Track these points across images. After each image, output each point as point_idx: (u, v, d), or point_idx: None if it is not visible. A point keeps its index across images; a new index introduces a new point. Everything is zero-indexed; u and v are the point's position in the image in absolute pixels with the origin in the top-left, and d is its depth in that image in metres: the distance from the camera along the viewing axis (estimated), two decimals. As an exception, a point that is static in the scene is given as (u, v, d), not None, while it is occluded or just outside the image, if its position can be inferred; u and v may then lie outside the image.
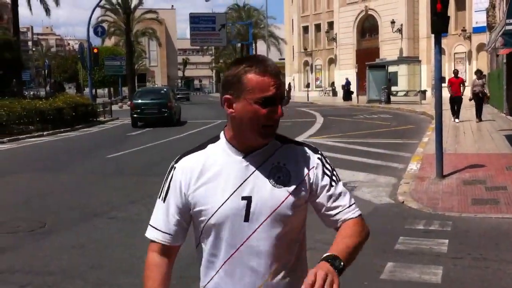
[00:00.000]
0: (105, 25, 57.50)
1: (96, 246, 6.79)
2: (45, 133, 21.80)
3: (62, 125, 23.19)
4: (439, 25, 9.57)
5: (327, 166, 1.86)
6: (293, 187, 1.77)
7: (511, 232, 6.78)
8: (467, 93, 20.45)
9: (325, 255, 1.68)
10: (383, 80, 35.79)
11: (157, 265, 1.90)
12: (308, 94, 48.16)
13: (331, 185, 1.83)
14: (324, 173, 1.83)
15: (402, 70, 37.27)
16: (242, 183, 1.76)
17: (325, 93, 54.55)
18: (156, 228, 1.90)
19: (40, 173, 12.48)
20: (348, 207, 1.84)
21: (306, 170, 1.81)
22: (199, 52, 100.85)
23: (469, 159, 11.41)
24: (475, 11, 38.66)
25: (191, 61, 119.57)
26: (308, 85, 52.03)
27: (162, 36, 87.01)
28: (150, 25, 62.69)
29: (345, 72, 47.76)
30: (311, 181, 1.81)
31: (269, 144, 1.80)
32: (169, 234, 1.88)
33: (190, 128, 22.83)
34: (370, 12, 48.57)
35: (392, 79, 36.16)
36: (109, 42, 68.39)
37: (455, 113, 19.89)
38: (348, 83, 43.38)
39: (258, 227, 1.75)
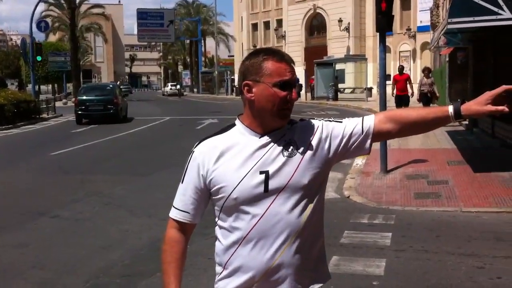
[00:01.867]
0: (49, 20, 55.82)
1: (38, 246, 6.58)
2: (-15, 130, 21.03)
3: (3, 122, 22.40)
4: (384, 24, 9.74)
5: (328, 119, 2.08)
6: (301, 155, 1.96)
7: (451, 225, 6.98)
8: (415, 91, 18.52)
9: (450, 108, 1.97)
10: (331, 77, 36.29)
11: (176, 241, 2.08)
12: (257, 91, 48.22)
13: (339, 124, 2.05)
14: (327, 125, 2.04)
15: (349, 68, 37.89)
16: (260, 160, 1.93)
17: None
18: (176, 208, 2.08)
19: (-22, 172, 12.01)
20: (363, 118, 2.07)
21: (311, 137, 2.00)
22: (147, 48, 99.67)
23: (412, 155, 11.69)
24: (420, 11, 39.70)
25: (138, 57, 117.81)
26: (257, 82, 52.10)
27: (108, 31, 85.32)
28: (96, 20, 61.30)
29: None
30: (320, 142, 2.00)
31: (284, 127, 1.99)
32: (187, 212, 2.06)
33: (137, 124, 22.47)
34: (318, 11, 49.08)
35: (339, 77, 36.70)
36: (54, 37, 66.53)
37: None
38: (296, 80, 43.59)
39: (277, 195, 1.92)
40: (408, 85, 17.83)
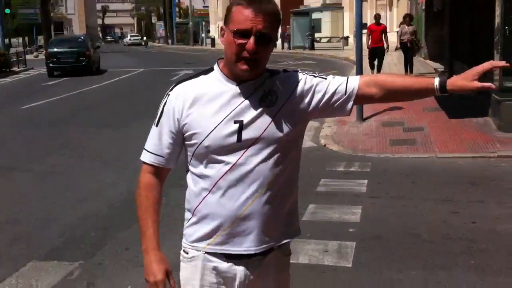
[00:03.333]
0: (16, -31, 53.90)
1: (11, 200, 6.45)
2: (-48, 85, 20.42)
3: (-28, 76, 21.77)
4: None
5: (312, 74, 1.99)
6: (279, 106, 1.88)
7: (427, 171, 7.02)
8: (393, 43, 17.02)
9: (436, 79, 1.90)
10: (307, 27, 35.85)
11: (152, 185, 2.02)
12: (233, 42, 47.57)
13: (323, 80, 1.96)
14: (311, 79, 1.95)
15: (325, 17, 37.50)
16: (235, 109, 1.86)
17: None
18: (149, 151, 2.00)
19: None
20: (347, 78, 1.99)
21: (292, 88, 1.92)
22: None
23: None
24: (396, -43, 39.08)
25: (111, 9, 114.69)
26: (233, 32, 51.31)
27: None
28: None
29: (269, 19, 47.32)
30: (301, 95, 1.93)
31: (261, 77, 1.90)
32: (162, 156, 1.97)
33: (110, 77, 22.01)
34: (293, -42, 48.06)
35: (315, 26, 36.27)
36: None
37: (375, 67, 16.24)
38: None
39: (250, 145, 1.85)
40: (383, 37, 16.03)
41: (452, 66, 14.94)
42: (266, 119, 1.87)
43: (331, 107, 1.96)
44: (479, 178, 6.61)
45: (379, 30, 15.99)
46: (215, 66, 1.95)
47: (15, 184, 7.19)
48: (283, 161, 1.91)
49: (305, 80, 1.95)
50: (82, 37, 26.17)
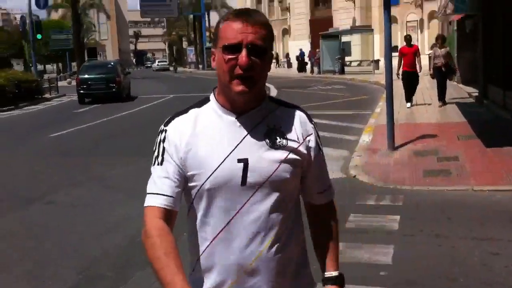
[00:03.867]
0: (51, -3, 55.28)
1: (28, 235, 6.31)
2: (-14, 112, 20.78)
3: (4, 103, 22.10)
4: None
5: (318, 134, 1.83)
6: (290, 149, 1.70)
7: (463, 205, 6.63)
8: (425, 66, 16.27)
9: (332, 275, 1.81)
10: (337, 50, 35.62)
11: (165, 229, 1.67)
12: (262, 66, 47.64)
13: (320, 154, 1.82)
14: (316, 142, 1.80)
15: (355, 40, 37.18)
16: (237, 145, 1.66)
17: (280, 64, 54.14)
18: (156, 194, 1.70)
19: (-24, 156, 11.75)
20: (329, 186, 1.87)
21: (303, 136, 1.74)
22: (150, 24, 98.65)
23: (420, 129, 11.29)
24: (427, -21, 38.77)
25: (143, 34, 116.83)
26: (262, 57, 51.42)
27: (111, 8, 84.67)
28: (99, -3, 60.68)
29: (299, 43, 47.38)
30: (308, 147, 1.76)
31: (263, 105, 1.72)
32: (172, 196, 1.69)
33: (140, 103, 22.13)
34: (323, -19, 48.18)
35: (345, 49, 36.01)
36: (56, 15, 65.94)
37: (413, 100, 15.17)
38: (302, 54, 43.03)
39: (256, 190, 1.66)
40: (417, 59, 14.58)
41: (486, 90, 14.47)
42: (273, 162, 1.67)
43: (303, 181, 1.80)
44: (520, 214, 6.21)
45: (411, 53, 14.62)
46: (211, 96, 1.76)
47: (34, 217, 7.06)
48: (290, 207, 1.74)
49: (312, 136, 1.79)
50: (112, 63, 26.46)
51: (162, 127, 1.77)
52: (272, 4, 56.03)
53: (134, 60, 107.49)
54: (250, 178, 1.65)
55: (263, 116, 1.71)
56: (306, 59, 41.56)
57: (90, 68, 24.61)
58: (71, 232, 6.35)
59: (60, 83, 34.49)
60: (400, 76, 14.80)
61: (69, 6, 52.38)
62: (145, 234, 1.68)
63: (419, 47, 16.85)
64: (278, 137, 1.69)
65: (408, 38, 15.23)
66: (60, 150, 12.06)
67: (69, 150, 11.92)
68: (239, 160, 1.65)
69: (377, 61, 34.79)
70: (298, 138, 1.73)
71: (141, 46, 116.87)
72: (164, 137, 1.73)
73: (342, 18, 45.08)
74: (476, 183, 7.37)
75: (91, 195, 7.99)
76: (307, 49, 43.52)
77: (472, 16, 17.30)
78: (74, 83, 25.90)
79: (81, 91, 22.98)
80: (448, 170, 8.10)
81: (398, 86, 15.83)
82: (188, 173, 1.69)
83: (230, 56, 1.61)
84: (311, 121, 1.80)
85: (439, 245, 5.34)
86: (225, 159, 1.65)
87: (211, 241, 1.70)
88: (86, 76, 23.24)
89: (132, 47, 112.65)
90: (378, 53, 38.02)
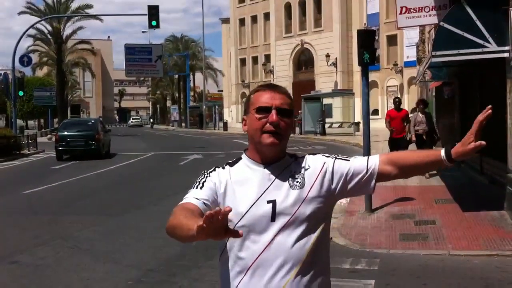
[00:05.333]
0: (36, 55, 55.69)
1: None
2: (-39, 167, 20.35)
3: (-19, 158, 21.75)
4: (366, 58, 9.42)
5: (335, 156, 2.16)
6: (308, 187, 2.03)
7: (439, 270, 6.47)
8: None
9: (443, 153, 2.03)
10: (318, 112, 36.04)
11: (189, 206, 1.95)
12: (245, 126, 47.89)
13: (340, 161, 2.11)
14: (336, 161, 2.11)
15: (336, 103, 37.70)
16: (266, 189, 2.01)
17: (262, 125, 54.51)
18: (188, 197, 2.01)
19: None
20: (368, 160, 2.11)
21: (318, 170, 2.07)
22: (136, 83, 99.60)
23: (398, 192, 11.22)
24: (406, 46, 39.88)
25: (128, 92, 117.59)
26: (245, 117, 51.76)
27: (97, 66, 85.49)
28: (84, 56, 61.21)
29: (282, 104, 47.90)
30: (325, 177, 2.07)
31: (285, 159, 2.09)
32: (200, 200, 1.98)
33: (119, 160, 21.89)
34: (306, 46, 49.23)
35: (327, 111, 36.46)
36: (41, 72, 66.29)
37: None
38: (284, 115, 43.47)
39: (284, 225, 1.97)
40: (405, 125, 13.45)
41: (464, 154, 14.57)
42: (297, 200, 2.00)
43: (355, 187, 2.09)
44: (496, 280, 6.05)
45: (400, 117, 13.41)
46: (243, 155, 2.13)
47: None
48: (315, 239, 2.01)
49: (329, 163, 2.09)
50: (93, 121, 26.33)
51: (205, 172, 2.11)
52: (257, 66, 56.99)
53: (117, 117, 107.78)
54: (278, 215, 1.97)
55: (285, 166, 2.07)
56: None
57: (69, 125, 24.42)
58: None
59: (40, 139, 34.22)
60: (388, 144, 13.82)
61: (54, 64, 52.82)
62: (169, 220, 1.92)
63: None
64: (298, 179, 2.05)
65: (397, 101, 13.90)
66: (31, 207, 11.74)
67: (40, 208, 11.60)
68: (268, 201, 2.00)
69: (358, 124, 35.18)
70: (313, 175, 2.07)
71: (125, 103, 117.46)
72: (207, 177, 2.08)
73: (324, 82, 45.90)
74: (453, 248, 7.24)
75: (55, 256, 7.67)
76: (289, 110, 43.97)
77: (450, 83, 17.64)
78: (54, 139, 25.66)
79: (60, 148, 22.69)
80: (425, 234, 7.97)
81: (384, 149, 15.84)
82: None
83: (261, 116, 2.01)
84: (323, 154, 2.17)
85: (413, 313, 5.15)
86: (256, 200, 1.99)
87: (244, 274, 1.98)
88: (66, 132, 23.03)
89: (116, 104, 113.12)
90: (358, 115, 38.50)
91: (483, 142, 1.95)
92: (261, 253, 1.96)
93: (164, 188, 13.90)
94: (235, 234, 1.66)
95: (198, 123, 59.71)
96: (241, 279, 1.98)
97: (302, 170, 2.07)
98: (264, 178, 2.03)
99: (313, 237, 2.01)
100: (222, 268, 2.07)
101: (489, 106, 1.97)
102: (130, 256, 7.50)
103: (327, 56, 45.53)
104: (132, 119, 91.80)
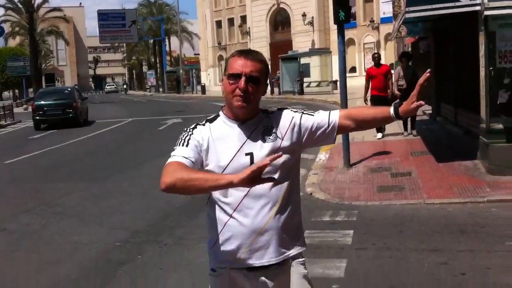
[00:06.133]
0: (8, 25, 54.51)
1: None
2: None
3: (-43, 131, 21.50)
4: (341, 16, 9.52)
5: (302, 111, 2.44)
6: (280, 139, 2.34)
7: (414, 218, 6.74)
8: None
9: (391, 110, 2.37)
10: (296, 71, 36.06)
11: (182, 164, 2.23)
12: (223, 89, 47.73)
13: (306, 115, 2.41)
14: (302, 115, 2.40)
15: (314, 62, 37.66)
16: (243, 144, 2.30)
17: (241, 87, 54.31)
18: (176, 156, 2.27)
19: None
20: (329, 114, 2.42)
21: (287, 124, 2.37)
22: (110, 49, 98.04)
23: (376, 147, 11.47)
24: (382, 2, 39.78)
25: (102, 59, 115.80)
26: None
27: (70, 34, 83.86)
28: (57, 24, 60.03)
29: (259, 65, 47.76)
30: (294, 129, 2.37)
31: (259, 115, 2.37)
32: (190, 160, 2.25)
33: (98, 128, 21.82)
34: (282, 6, 48.86)
35: (304, 71, 36.47)
36: (14, 42, 64.89)
37: (383, 130, 12.81)
38: (262, 76, 43.48)
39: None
40: (388, 82, 12.43)
41: (439, 108, 14.85)
42: (271, 151, 2.28)
43: (319, 138, 2.41)
44: (469, 225, 6.33)
45: (381, 74, 12.36)
46: (220, 112, 2.40)
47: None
48: (288, 182, 2.34)
49: (298, 117, 2.38)
50: (69, 89, 26.06)
51: (187, 129, 2.36)
52: (233, 28, 56.48)
53: (92, 85, 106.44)
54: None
55: (258, 122, 2.35)
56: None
57: (46, 94, 24.14)
58: (22, 260, 6.19)
59: (16, 110, 33.78)
60: (369, 102, 12.62)
61: (26, 34, 51.76)
62: (164, 175, 2.18)
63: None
64: (272, 132, 2.34)
65: (376, 57, 12.88)
66: (14, 177, 11.78)
67: (22, 177, 11.65)
68: (246, 154, 2.30)
69: (336, 82, 35.30)
70: (286, 127, 2.36)
71: (100, 71, 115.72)
72: (190, 134, 2.34)
73: (301, 41, 45.76)
74: (428, 197, 7.52)
75: (41, 222, 7.79)
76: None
77: (425, 37, 17.79)
78: (30, 109, 25.41)
79: (37, 117, 22.52)
80: (401, 185, 8.24)
81: (354, 104, 16.05)
82: (207, 167, 2.30)
83: (232, 82, 2.28)
84: (291, 109, 2.44)
85: (390, 257, 5.41)
86: (235, 154, 2.28)
87: (230, 216, 2.31)
88: (42, 102, 22.80)
89: (91, 72, 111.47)
90: (336, 74, 38.61)
91: (422, 102, 2.30)
92: (243, 197, 2.28)
93: (145, 152, 13.98)
94: (270, 180, 2.06)
95: (176, 87, 59.31)
96: (228, 219, 2.32)
97: (274, 125, 2.35)
98: (241, 133, 2.31)
99: (286, 182, 2.33)
100: (209, 210, 2.39)
101: (428, 70, 2.34)
102: (116, 219, 7.66)
103: (304, 15, 45.28)
104: (107, 85, 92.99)
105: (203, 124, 2.38)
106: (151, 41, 70.33)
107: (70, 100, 22.85)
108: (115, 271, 5.53)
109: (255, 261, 2.33)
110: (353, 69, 42.23)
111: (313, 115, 2.41)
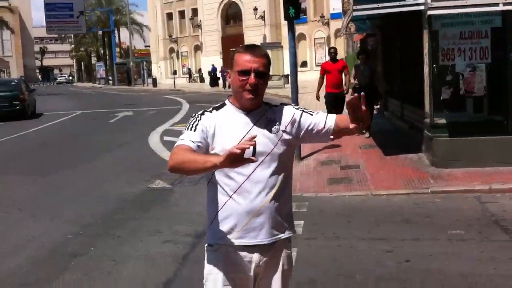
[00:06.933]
0: None
1: None
2: None
3: None
4: (291, 12, 9.69)
5: (303, 109, 2.66)
6: (281, 132, 2.56)
7: (362, 208, 7.01)
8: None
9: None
10: (248, 66, 36.11)
11: (187, 147, 2.42)
12: (175, 81, 47.45)
13: (306, 114, 2.62)
14: (303, 113, 2.61)
15: (265, 56, 37.86)
16: (248, 132, 2.48)
17: (192, 79, 54.13)
18: (184, 139, 2.46)
19: None
20: (327, 116, 2.62)
21: (288, 119, 2.59)
22: (58, 40, 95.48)
23: (326, 140, 11.68)
24: (332, -2, 40.31)
25: (49, 50, 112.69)
26: (175, 72, 51.16)
27: (16, 24, 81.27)
28: (1, 13, 58.09)
29: (212, 58, 47.62)
30: (295, 124, 2.59)
31: (262, 107, 2.58)
32: (195, 142, 2.44)
33: (46, 120, 21.35)
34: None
35: (256, 65, 36.54)
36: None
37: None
38: (214, 69, 43.40)
39: (263, 160, 2.48)
40: (344, 78, 11.80)
41: (386, 103, 15.29)
42: (272, 141, 2.53)
43: (315, 137, 2.63)
44: (413, 215, 6.64)
45: (336, 70, 11.72)
46: (226, 101, 2.61)
47: None
48: (284, 172, 2.57)
49: (298, 114, 2.60)
50: (16, 80, 25.35)
51: (196, 115, 2.55)
52: (184, 21, 56.05)
53: (39, 76, 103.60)
54: (258, 153, 2.35)
55: (263, 113, 2.57)
56: (218, 74, 41.94)
57: (-9, 86, 23.45)
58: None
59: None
60: (324, 99, 11.88)
61: (-32, 21, 49.93)
62: (171, 158, 2.40)
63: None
64: (274, 124, 2.56)
65: (332, 52, 12.21)
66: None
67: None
68: None
69: (287, 76, 35.65)
70: (287, 121, 2.58)
71: (48, 62, 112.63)
72: (198, 120, 2.52)
73: (252, 35, 45.86)
74: (375, 188, 7.81)
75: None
76: (219, 64, 43.92)
77: (373, 34, 18.22)
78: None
79: (-18, 110, 21.83)
80: (350, 178, 8.51)
81: (312, 102, 16.18)
82: (213, 151, 2.47)
83: (243, 78, 2.48)
84: (293, 106, 2.67)
85: (338, 246, 5.63)
86: (240, 141, 2.40)
87: (230, 197, 2.51)
88: (-13, 94, 22.13)
89: (38, 63, 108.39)
90: (288, 69, 38.93)
91: (358, 125, 2.45)
92: (244, 181, 2.50)
93: (96, 145, 13.84)
94: (251, 160, 2.18)
95: (126, 80, 58.45)
96: (227, 201, 2.53)
97: (276, 118, 2.58)
98: (246, 122, 2.53)
99: (283, 170, 2.57)
100: (210, 191, 2.61)
101: (362, 94, 2.37)
102: (67, 213, 7.60)
103: (255, 9, 45.41)
104: (59, 76, 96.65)
105: (210, 111, 2.57)
106: (100, 32, 69.00)
107: (17, 92, 22.23)
108: (67, 263, 5.52)
109: (249, 240, 2.53)
110: (304, 64, 42.72)
111: (312, 115, 2.61)
